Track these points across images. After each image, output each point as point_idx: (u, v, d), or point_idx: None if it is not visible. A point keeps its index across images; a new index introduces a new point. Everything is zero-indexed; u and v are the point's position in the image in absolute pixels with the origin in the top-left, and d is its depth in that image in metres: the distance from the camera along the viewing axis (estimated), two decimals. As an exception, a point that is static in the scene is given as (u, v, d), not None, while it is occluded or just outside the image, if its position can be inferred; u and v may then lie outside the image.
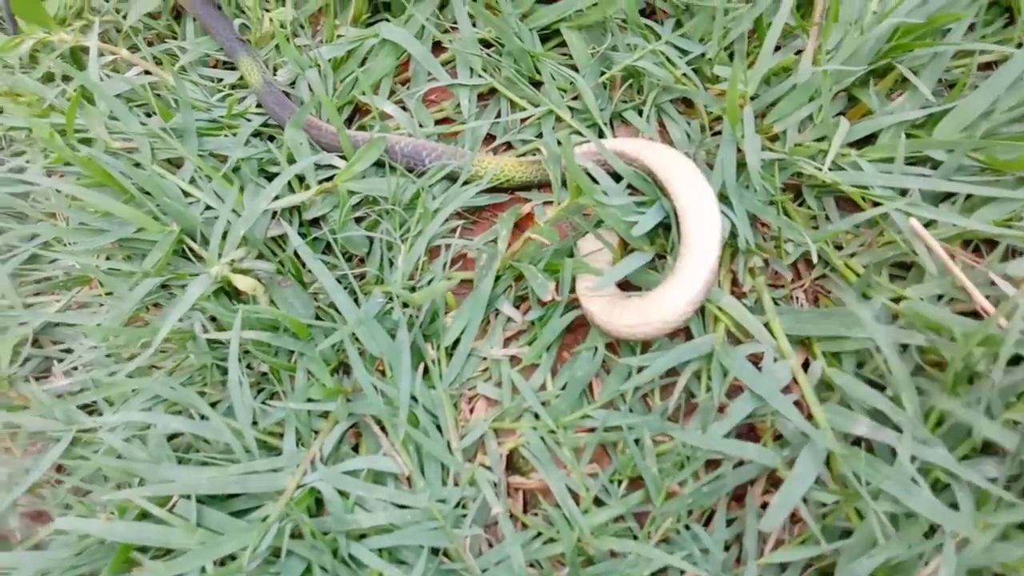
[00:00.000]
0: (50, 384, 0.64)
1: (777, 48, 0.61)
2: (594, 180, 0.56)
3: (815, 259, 0.54)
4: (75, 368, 0.65)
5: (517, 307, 0.58)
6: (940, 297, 0.52)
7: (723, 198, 0.56)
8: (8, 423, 0.61)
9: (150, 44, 0.80)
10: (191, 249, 0.64)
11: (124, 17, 0.77)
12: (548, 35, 0.67)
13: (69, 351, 0.68)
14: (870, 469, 0.45)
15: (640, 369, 0.52)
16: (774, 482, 0.51)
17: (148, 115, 0.72)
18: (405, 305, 0.56)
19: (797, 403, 0.51)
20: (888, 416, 0.47)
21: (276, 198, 0.61)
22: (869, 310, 0.51)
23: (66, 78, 0.77)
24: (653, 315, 0.50)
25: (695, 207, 0.52)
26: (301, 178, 0.64)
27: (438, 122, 0.67)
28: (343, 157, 0.64)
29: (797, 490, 0.46)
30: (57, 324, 0.68)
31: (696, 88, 0.62)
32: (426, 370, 0.57)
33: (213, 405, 0.61)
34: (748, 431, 0.53)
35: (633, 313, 0.50)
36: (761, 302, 0.55)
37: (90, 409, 0.63)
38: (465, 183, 0.61)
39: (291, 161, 0.64)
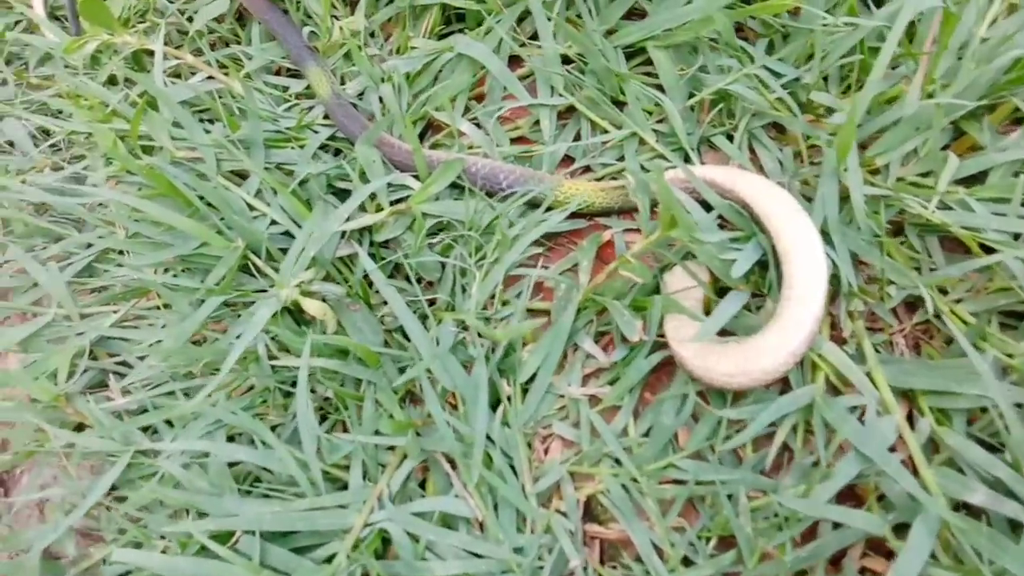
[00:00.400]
0: (108, 402, 0.62)
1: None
2: (686, 211, 0.53)
3: (926, 303, 0.50)
4: (133, 384, 0.63)
5: (598, 342, 0.55)
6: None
7: (823, 234, 0.52)
8: (65, 442, 0.59)
9: (213, 48, 0.78)
10: (255, 265, 0.62)
11: (189, 20, 0.75)
12: (633, 52, 0.63)
13: (126, 364, 0.66)
14: (992, 545, 0.42)
15: (733, 419, 0.49)
16: (872, 545, 0.48)
17: (211, 122, 0.70)
18: (480, 335, 0.54)
19: (903, 463, 0.47)
20: (1007, 484, 0.44)
21: (348, 219, 0.58)
22: (984, 363, 0.48)
23: (129, 82, 0.75)
24: (752, 365, 0.47)
25: (799, 249, 0.48)
26: (372, 196, 0.61)
27: (513, 140, 0.64)
28: (417, 177, 0.61)
29: (913, 565, 0.42)
30: (114, 336, 0.66)
31: (792, 114, 0.58)
32: (498, 404, 0.54)
33: (274, 429, 0.60)
34: (848, 490, 0.49)
35: (730, 362, 0.47)
36: (862, 349, 0.52)
37: (149, 428, 0.61)
38: (547, 208, 0.58)
39: (363, 179, 0.61)
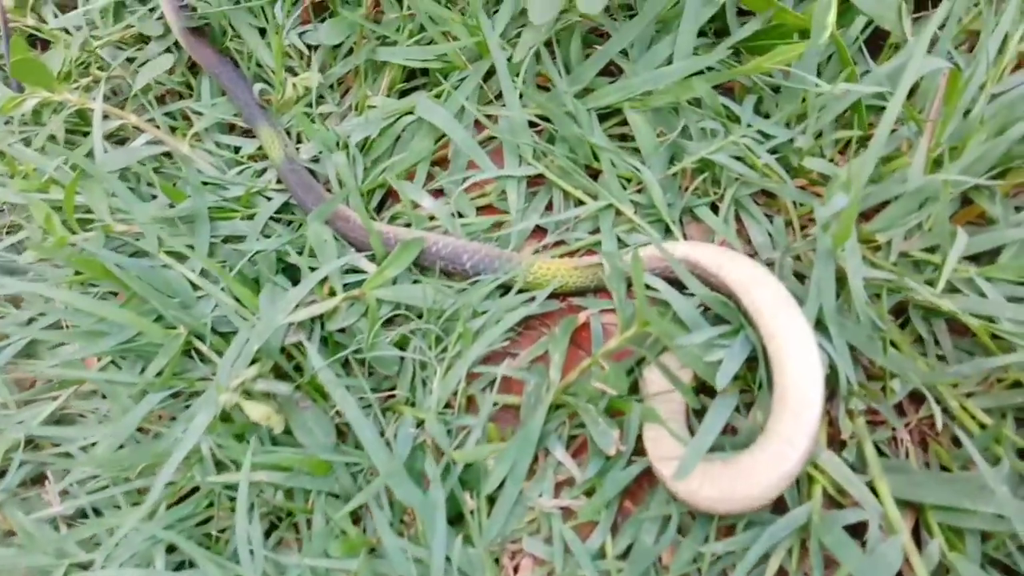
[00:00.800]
0: (43, 510, 0.57)
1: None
2: (666, 303, 0.48)
3: (934, 412, 0.45)
4: (71, 485, 0.58)
5: (570, 446, 0.50)
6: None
7: (818, 324, 0.47)
8: (-5, 556, 0.54)
9: (163, 101, 0.73)
10: (200, 352, 0.57)
11: (132, 80, 0.70)
12: (608, 113, 0.58)
13: (68, 455, 0.61)
14: None
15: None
16: None
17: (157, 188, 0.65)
18: (439, 450, 0.49)
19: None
20: (1030, 628, 0.39)
21: (296, 306, 0.53)
22: (999, 479, 0.42)
23: (70, 144, 0.70)
24: (740, 490, 0.41)
25: (791, 355, 0.43)
26: (324, 279, 0.56)
27: (480, 209, 0.59)
28: (372, 258, 0.56)
29: None
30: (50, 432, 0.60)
31: (782, 181, 0.53)
32: (462, 519, 0.49)
33: (223, 532, 0.55)
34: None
35: (715, 486, 0.42)
36: (863, 453, 0.46)
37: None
38: (517, 291, 0.53)
39: (313, 257, 0.56)
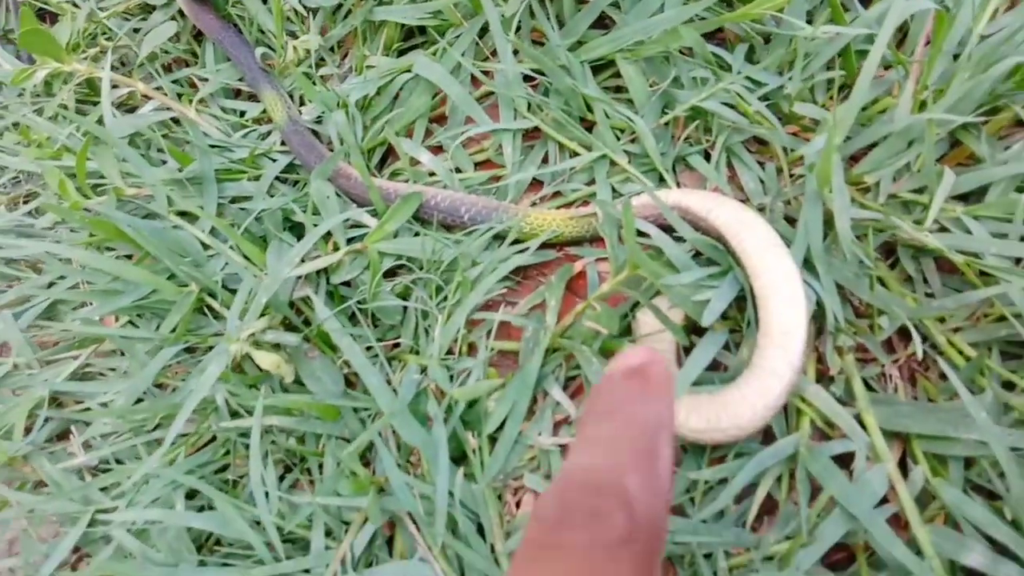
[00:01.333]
0: (66, 462, 0.59)
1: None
2: (659, 250, 0.49)
3: (916, 343, 0.46)
4: (94, 438, 0.61)
5: (568, 387, 0.52)
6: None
7: (807, 264, 0.48)
8: (24, 506, 0.57)
9: (169, 69, 0.75)
10: (212, 308, 0.59)
11: (139, 49, 0.72)
12: (601, 65, 0.59)
13: (90, 410, 0.64)
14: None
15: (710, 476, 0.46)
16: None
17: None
18: (442, 392, 0.51)
19: (896, 515, 0.44)
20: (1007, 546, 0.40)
21: (302, 260, 0.55)
22: (981, 406, 0.44)
23: (81, 112, 0.72)
24: (725, 421, 0.43)
25: (777, 293, 0.44)
26: (328, 235, 0.58)
27: (479, 165, 0.60)
28: (374, 212, 0.58)
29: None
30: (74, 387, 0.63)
31: (773, 127, 0.54)
32: (466, 458, 0.51)
33: (240, 479, 0.57)
34: (838, 546, 0.46)
35: (702, 417, 0.44)
36: (851, 388, 0.48)
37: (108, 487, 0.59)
38: (513, 241, 0.54)
39: (319, 215, 0.58)
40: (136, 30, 0.76)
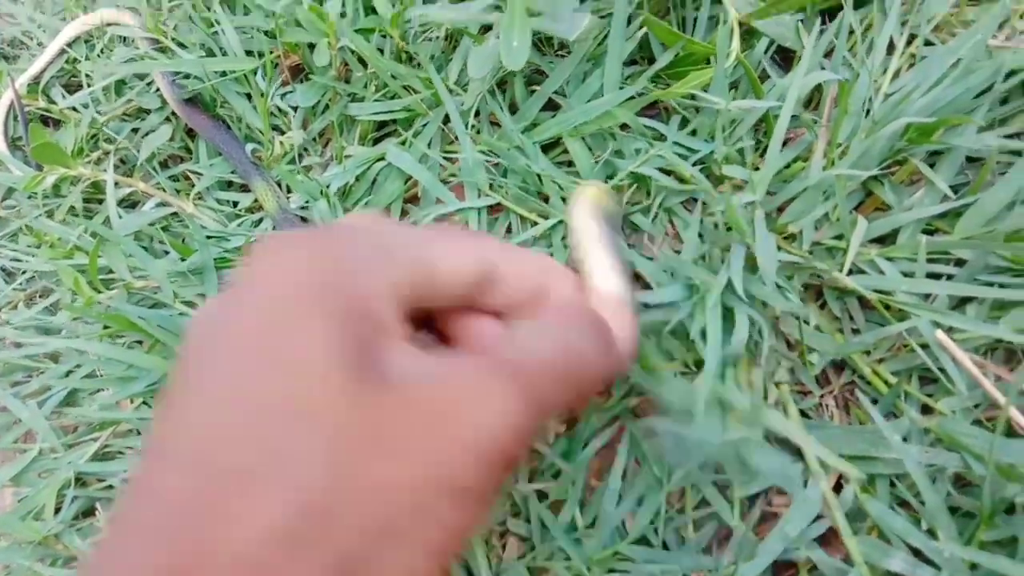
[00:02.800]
0: (94, 537, 0.65)
1: (787, 141, 0.59)
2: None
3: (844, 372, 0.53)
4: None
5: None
6: (977, 405, 0.51)
7: (740, 300, 0.55)
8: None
9: (165, 166, 0.82)
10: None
11: (138, 150, 0.79)
12: (552, 143, 0.66)
13: (112, 487, 0.69)
14: (910, 616, 0.44)
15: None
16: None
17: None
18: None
19: (832, 530, 0.50)
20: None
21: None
22: (898, 428, 0.50)
23: (88, 213, 0.79)
24: None
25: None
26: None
27: (450, 238, 0.67)
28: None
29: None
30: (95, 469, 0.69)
31: (706, 189, 0.61)
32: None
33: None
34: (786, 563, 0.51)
35: None
36: (788, 415, 0.54)
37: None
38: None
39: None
40: (134, 130, 0.83)
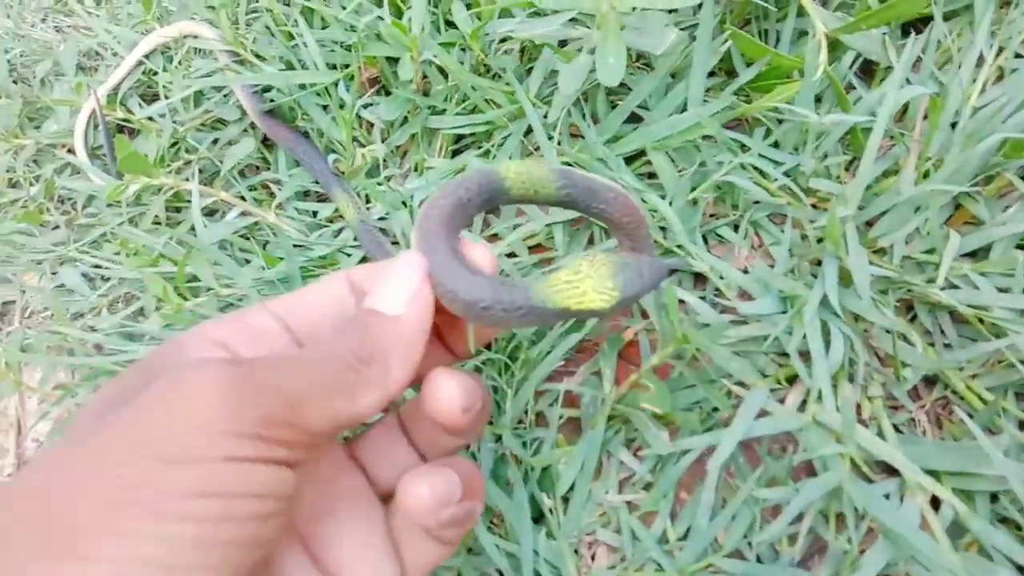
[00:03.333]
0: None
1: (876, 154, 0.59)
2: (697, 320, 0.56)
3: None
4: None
5: (630, 445, 0.58)
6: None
7: (835, 316, 0.55)
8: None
9: (244, 175, 0.83)
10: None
11: (219, 161, 0.81)
12: (634, 156, 0.66)
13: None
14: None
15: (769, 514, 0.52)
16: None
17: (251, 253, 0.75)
18: (518, 460, 0.57)
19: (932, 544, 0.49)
20: (1032, 570, 0.46)
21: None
22: (998, 444, 0.50)
23: (172, 222, 0.81)
24: None
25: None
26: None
27: (531, 249, 0.68)
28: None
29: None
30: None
31: (795, 201, 0.61)
32: (543, 517, 0.57)
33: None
34: None
35: None
36: (882, 431, 0.54)
37: None
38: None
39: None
40: (214, 141, 0.85)
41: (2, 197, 0.93)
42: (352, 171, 0.75)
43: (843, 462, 0.52)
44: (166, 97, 0.87)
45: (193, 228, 0.75)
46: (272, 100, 0.79)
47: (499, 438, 0.59)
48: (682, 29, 0.64)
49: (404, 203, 0.70)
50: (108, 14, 1.04)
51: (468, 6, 0.75)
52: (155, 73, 0.92)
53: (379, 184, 0.72)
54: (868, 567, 0.49)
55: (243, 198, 0.79)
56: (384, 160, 0.75)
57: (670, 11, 0.63)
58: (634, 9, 0.55)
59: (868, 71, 0.66)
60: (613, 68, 0.54)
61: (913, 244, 0.58)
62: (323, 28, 0.79)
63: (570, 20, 0.64)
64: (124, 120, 0.91)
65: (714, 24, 0.63)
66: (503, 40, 0.71)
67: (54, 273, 0.86)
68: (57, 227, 0.89)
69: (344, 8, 0.74)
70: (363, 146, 0.74)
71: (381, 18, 0.71)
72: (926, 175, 0.58)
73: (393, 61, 0.73)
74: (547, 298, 0.36)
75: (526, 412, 0.60)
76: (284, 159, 0.81)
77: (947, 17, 0.63)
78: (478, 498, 0.40)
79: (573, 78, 0.59)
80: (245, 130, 0.83)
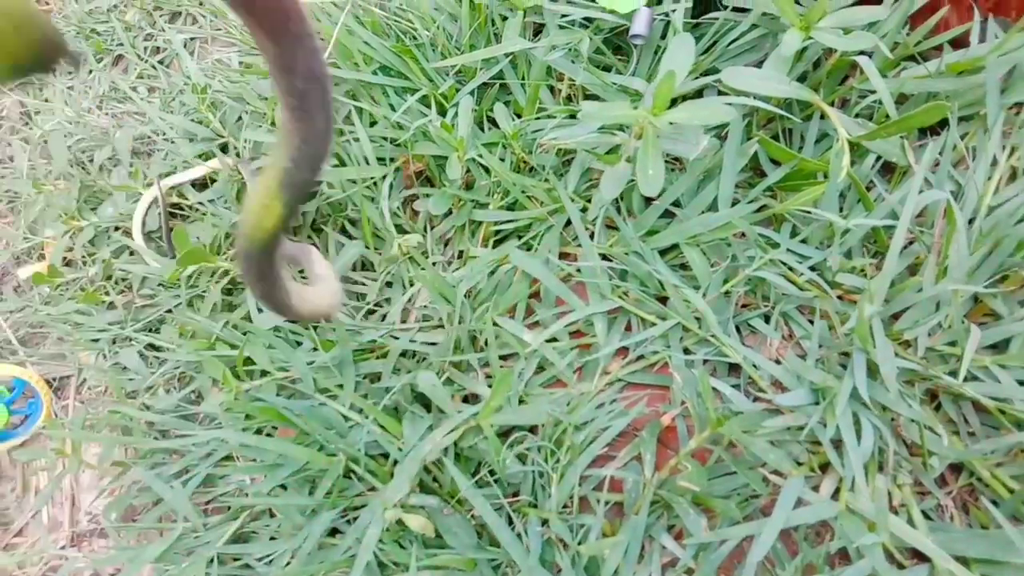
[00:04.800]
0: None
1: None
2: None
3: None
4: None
5: (671, 530, 0.61)
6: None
7: (864, 408, 0.58)
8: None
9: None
10: (356, 473, 0.70)
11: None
12: (669, 247, 0.71)
13: (248, 567, 0.74)
14: None
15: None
16: None
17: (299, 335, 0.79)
18: (564, 544, 0.60)
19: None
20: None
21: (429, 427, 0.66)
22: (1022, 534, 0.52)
23: (226, 305, 0.85)
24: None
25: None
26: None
27: (571, 335, 0.71)
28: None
29: None
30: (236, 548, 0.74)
31: (822, 294, 0.65)
32: (589, 598, 0.60)
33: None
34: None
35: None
36: (912, 518, 0.57)
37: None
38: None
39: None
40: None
41: (61, 277, 0.98)
42: (390, 258, 0.79)
43: (878, 551, 0.55)
44: (213, 181, 0.93)
45: (249, 314, 0.80)
46: (324, 195, 0.84)
47: (545, 522, 0.62)
48: (712, 134, 0.69)
49: (447, 299, 0.74)
50: (162, 102, 1.10)
51: (506, 103, 0.80)
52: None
53: (423, 269, 0.77)
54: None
55: (294, 283, 0.83)
56: (431, 248, 0.79)
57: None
58: (671, 123, 0.60)
59: (888, 168, 0.70)
60: (653, 179, 0.59)
61: (936, 337, 0.62)
62: (371, 125, 0.84)
63: (613, 128, 0.69)
64: (176, 205, 0.97)
65: (742, 129, 0.67)
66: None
67: (115, 352, 0.90)
68: (113, 307, 0.94)
69: (393, 110, 0.79)
70: (403, 233, 0.79)
71: (430, 120, 0.76)
72: (945, 271, 0.61)
73: (440, 158, 0.78)
74: None
75: (571, 497, 0.63)
76: (333, 244, 0.85)
77: (960, 119, 0.68)
78: None
79: (614, 184, 0.64)
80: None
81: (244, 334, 0.77)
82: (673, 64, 0.62)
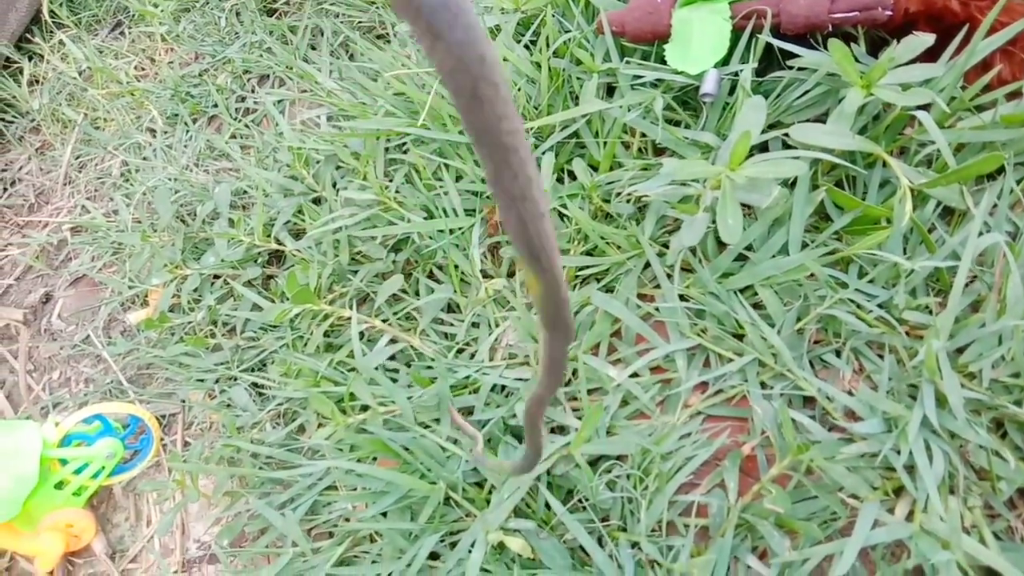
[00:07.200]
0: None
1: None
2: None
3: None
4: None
5: (755, 550, 0.66)
6: None
7: (935, 434, 0.63)
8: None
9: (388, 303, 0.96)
10: (455, 500, 0.76)
11: (372, 293, 0.93)
12: (743, 288, 0.76)
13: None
14: None
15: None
16: None
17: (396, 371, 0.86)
18: (654, 565, 0.66)
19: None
20: None
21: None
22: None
23: (328, 347, 0.93)
24: None
25: None
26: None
27: (652, 370, 0.77)
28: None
29: None
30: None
31: (891, 330, 0.69)
32: (679, 615, 0.65)
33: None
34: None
35: None
36: (983, 538, 0.61)
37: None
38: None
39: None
40: (355, 272, 0.98)
41: (169, 322, 1.07)
42: (476, 300, 0.86)
43: (953, 568, 0.59)
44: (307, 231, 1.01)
45: (352, 353, 0.87)
46: (413, 245, 0.91)
47: (635, 544, 0.68)
48: (780, 183, 0.75)
49: (534, 338, 0.80)
50: (256, 159, 1.20)
51: (581, 156, 0.87)
52: (302, 215, 1.06)
53: (513, 309, 0.83)
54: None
55: (388, 322, 0.90)
56: (517, 291, 0.86)
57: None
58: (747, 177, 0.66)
59: (948, 211, 0.75)
60: (733, 228, 0.65)
61: (1000, 369, 0.66)
62: (457, 180, 0.92)
63: (686, 181, 0.75)
64: (275, 252, 1.05)
65: (809, 178, 0.73)
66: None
67: (222, 391, 0.98)
68: (219, 348, 1.02)
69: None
70: (488, 278, 0.86)
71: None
72: (1004, 308, 0.66)
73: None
74: None
75: (659, 522, 0.68)
76: (423, 287, 0.93)
77: (1016, 164, 0.72)
78: None
79: (694, 232, 0.70)
80: (393, 262, 0.96)
81: (349, 371, 0.84)
82: (747, 124, 0.68)
